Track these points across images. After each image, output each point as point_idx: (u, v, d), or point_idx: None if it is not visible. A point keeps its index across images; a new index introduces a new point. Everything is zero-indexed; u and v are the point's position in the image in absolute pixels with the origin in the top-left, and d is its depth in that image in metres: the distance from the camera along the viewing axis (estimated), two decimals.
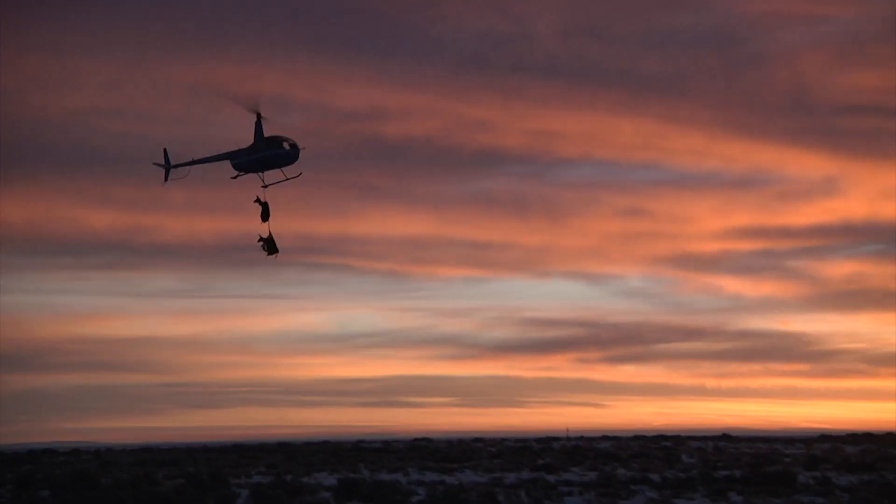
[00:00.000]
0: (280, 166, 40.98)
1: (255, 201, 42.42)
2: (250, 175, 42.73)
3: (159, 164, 42.73)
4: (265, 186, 41.82)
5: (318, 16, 79.90)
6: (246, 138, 45.66)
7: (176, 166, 42.57)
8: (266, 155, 40.81)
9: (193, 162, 42.62)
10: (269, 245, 41.67)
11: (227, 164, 43.05)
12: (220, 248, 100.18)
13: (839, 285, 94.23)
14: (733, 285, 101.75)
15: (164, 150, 43.58)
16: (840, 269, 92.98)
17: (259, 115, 40.75)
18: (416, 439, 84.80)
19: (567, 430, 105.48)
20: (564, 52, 75.16)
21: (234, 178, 42.09)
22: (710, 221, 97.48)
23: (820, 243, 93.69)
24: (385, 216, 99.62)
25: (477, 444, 77.32)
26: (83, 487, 43.23)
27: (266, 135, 41.03)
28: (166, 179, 42.91)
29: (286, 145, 40.69)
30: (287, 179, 41.63)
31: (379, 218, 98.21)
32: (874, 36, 66.31)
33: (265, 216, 42.21)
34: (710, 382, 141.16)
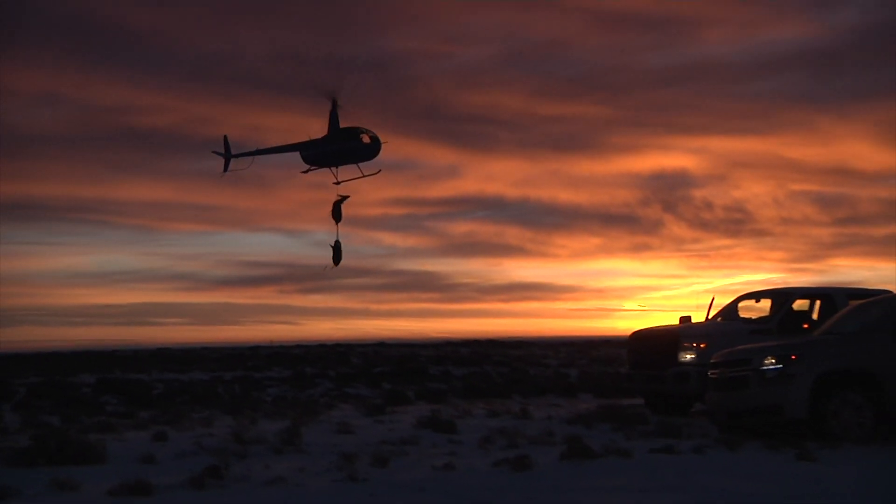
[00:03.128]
0: (356, 161, 27.88)
1: (344, 197, 28.51)
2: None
3: (218, 153, 29.42)
4: (337, 183, 28.36)
5: (85, 32, 76.08)
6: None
7: (236, 156, 29.25)
8: (341, 148, 27.78)
9: (257, 152, 29.43)
10: (336, 253, 28.10)
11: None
12: (7, 206, 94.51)
13: (459, 239, 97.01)
14: (389, 239, 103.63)
15: (225, 137, 29.76)
16: (460, 228, 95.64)
17: (335, 103, 28.15)
18: (158, 349, 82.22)
19: (270, 341, 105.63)
20: (269, 69, 74.21)
21: (305, 172, 28.75)
22: (373, 194, 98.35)
23: (446, 210, 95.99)
24: (136, 185, 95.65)
25: (204, 352, 75.71)
26: None
27: (342, 125, 28.06)
28: (225, 170, 29.29)
29: (365, 138, 27.78)
30: (364, 176, 28.32)
31: (131, 186, 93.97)
32: (484, 68, 68.77)
33: (337, 215, 28.24)
34: (373, 306, 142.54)
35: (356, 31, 77.70)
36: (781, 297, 19.26)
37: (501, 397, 24.75)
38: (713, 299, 20.24)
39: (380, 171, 28.31)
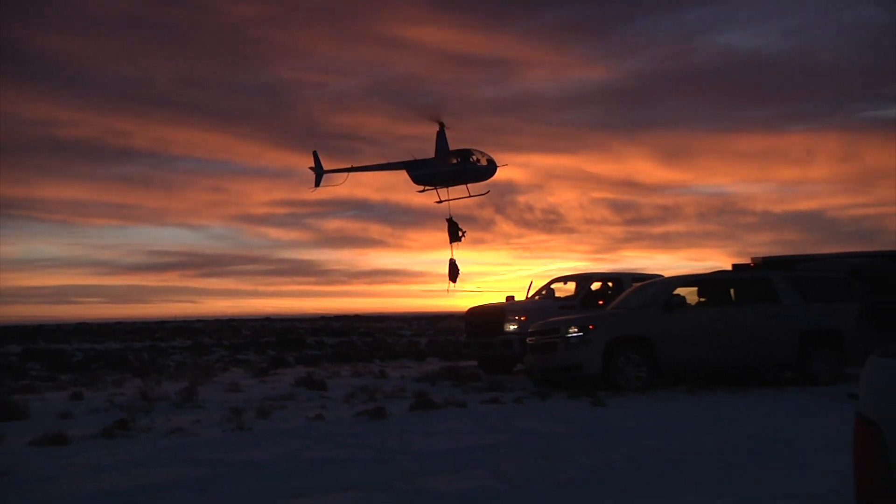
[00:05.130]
0: (472, 181, 24.26)
1: (446, 219, 24.76)
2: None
3: (311, 168, 25.47)
4: (440, 202, 24.62)
5: (16, 56, 72.21)
6: None
7: (328, 171, 25.12)
8: (460, 169, 24.04)
9: (352, 169, 25.10)
10: (452, 270, 24.43)
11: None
12: None
13: (332, 233, 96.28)
14: (274, 233, 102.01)
15: (315, 153, 25.36)
16: (332, 224, 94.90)
17: (442, 125, 24.44)
18: (78, 324, 78.80)
19: (174, 316, 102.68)
20: (176, 92, 72.13)
21: (421, 191, 24.81)
22: (261, 196, 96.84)
23: (321, 210, 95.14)
24: (58, 187, 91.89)
25: (118, 326, 72.96)
26: None
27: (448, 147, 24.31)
28: (317, 184, 25.21)
29: (483, 160, 24.11)
30: (471, 196, 24.52)
31: (55, 187, 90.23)
32: (352, 95, 68.53)
33: (454, 235, 24.54)
34: (261, 288, 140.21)
35: (248, 62, 76.15)
36: (583, 280, 19.76)
37: (365, 361, 24.67)
38: (531, 282, 20.69)
39: (489, 191, 24.63)
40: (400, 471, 7.68)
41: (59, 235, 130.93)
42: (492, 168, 24.31)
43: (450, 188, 24.45)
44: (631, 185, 78.87)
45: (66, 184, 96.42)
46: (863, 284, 15.83)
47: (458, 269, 24.08)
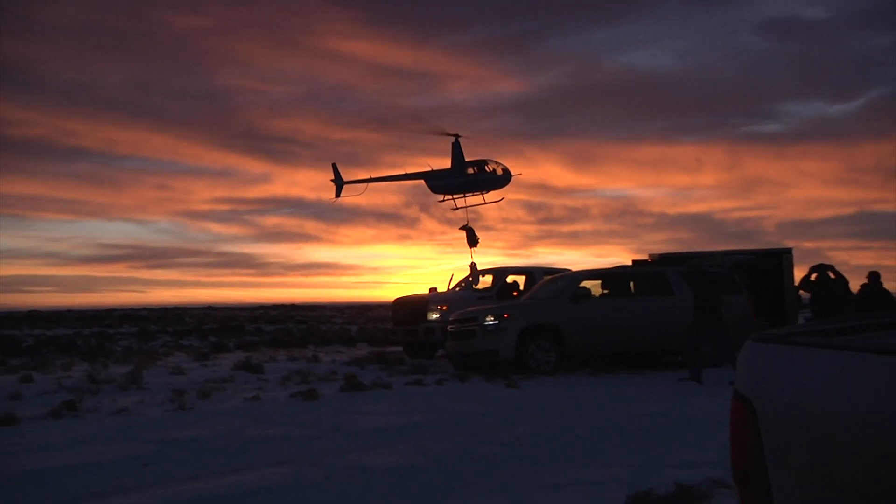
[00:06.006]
0: (490, 189, 23.28)
1: (461, 228, 23.56)
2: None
3: (332, 181, 24.01)
4: (456, 209, 23.55)
5: None
6: None
7: (348, 182, 23.76)
8: (477, 179, 23.05)
9: (371, 180, 23.78)
10: (473, 273, 21.72)
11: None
12: None
13: (270, 229, 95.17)
14: (216, 228, 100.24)
15: (334, 165, 23.98)
16: (270, 220, 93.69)
17: (457, 137, 23.19)
18: (29, 311, 75.79)
19: (122, 305, 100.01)
20: (124, 96, 70.35)
21: (442, 201, 23.64)
22: (204, 193, 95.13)
23: (260, 207, 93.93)
24: (11, 182, 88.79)
25: (68, 313, 70.39)
26: None
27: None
28: (337, 195, 23.91)
29: (499, 170, 23.22)
30: (486, 203, 23.50)
31: (8, 183, 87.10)
32: (290, 102, 68.03)
33: (472, 241, 23.25)
34: (203, 279, 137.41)
35: (192, 69, 74.44)
36: (499, 273, 19.89)
37: (299, 347, 24.36)
38: (452, 275, 20.69)
39: (503, 198, 23.70)
40: (331, 447, 7.62)
41: (12, 228, 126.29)
42: (507, 177, 23.56)
43: (466, 196, 23.59)
44: (543, 188, 79.84)
45: (20, 180, 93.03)
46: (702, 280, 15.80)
47: (478, 274, 22.15)
